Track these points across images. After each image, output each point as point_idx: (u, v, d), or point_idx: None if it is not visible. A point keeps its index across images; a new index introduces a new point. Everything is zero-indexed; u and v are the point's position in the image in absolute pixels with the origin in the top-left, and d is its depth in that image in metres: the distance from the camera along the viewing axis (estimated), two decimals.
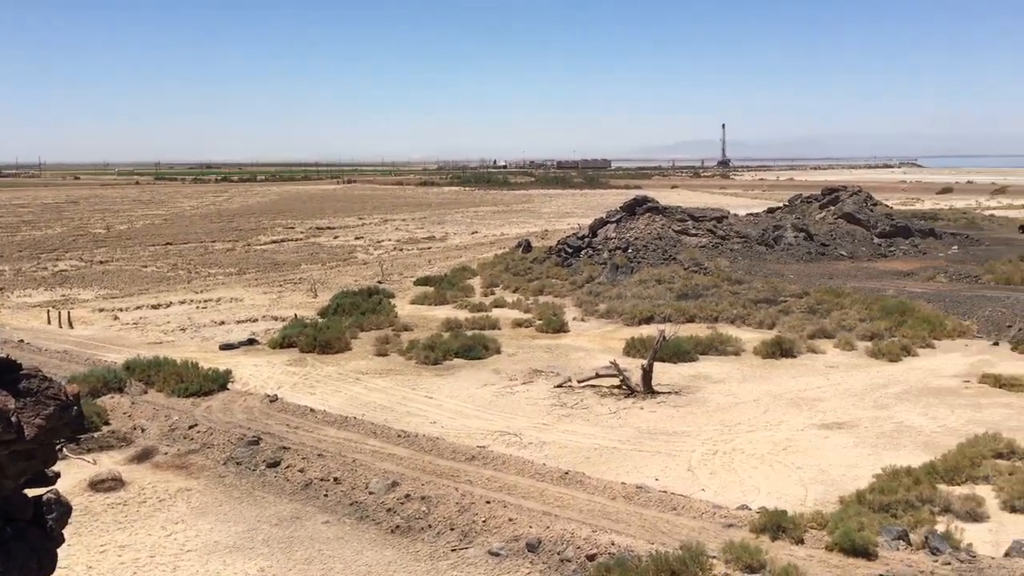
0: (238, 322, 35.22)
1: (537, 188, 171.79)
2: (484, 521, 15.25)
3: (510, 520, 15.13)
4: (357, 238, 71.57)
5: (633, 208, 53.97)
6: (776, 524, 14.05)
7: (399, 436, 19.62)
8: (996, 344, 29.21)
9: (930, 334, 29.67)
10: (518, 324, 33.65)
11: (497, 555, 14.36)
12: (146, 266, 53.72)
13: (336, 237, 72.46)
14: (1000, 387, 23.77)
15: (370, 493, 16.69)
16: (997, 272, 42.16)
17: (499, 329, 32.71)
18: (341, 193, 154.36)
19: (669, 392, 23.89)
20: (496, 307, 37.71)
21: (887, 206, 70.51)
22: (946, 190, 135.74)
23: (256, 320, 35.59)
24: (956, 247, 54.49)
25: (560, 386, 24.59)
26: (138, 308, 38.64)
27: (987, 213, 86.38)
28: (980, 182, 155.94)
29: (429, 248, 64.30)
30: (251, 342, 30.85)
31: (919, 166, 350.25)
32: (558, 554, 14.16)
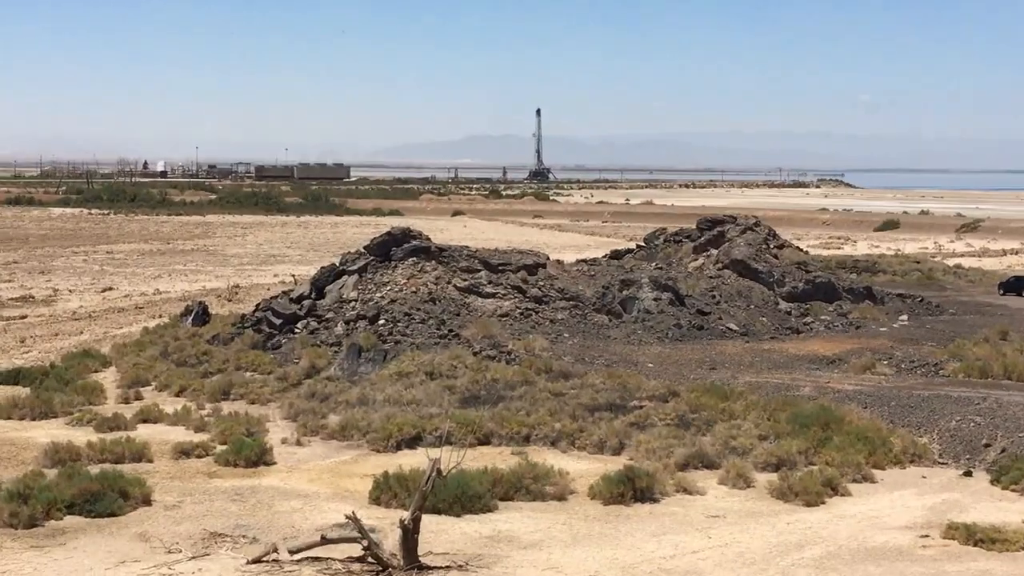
0: None
1: (221, 212, 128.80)
2: None
3: None
4: None
5: (388, 249, 43.11)
6: None
7: None
8: (968, 474, 23.58)
9: (867, 459, 23.90)
10: (184, 452, 25.04)
11: None
12: None
13: None
14: (975, 544, 18.42)
15: None
16: (968, 357, 33.96)
17: (150, 461, 23.97)
18: None
19: (448, 567, 17.45)
20: (145, 422, 27.99)
21: (800, 250, 55.55)
22: (889, 224, 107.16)
23: None
24: (906, 316, 46.36)
25: (259, 561, 17.66)
26: None
27: (951, 262, 66.73)
28: (940, 212, 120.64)
29: (23, 318, 47.19)
30: None
31: (848, 185, 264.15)
32: None
